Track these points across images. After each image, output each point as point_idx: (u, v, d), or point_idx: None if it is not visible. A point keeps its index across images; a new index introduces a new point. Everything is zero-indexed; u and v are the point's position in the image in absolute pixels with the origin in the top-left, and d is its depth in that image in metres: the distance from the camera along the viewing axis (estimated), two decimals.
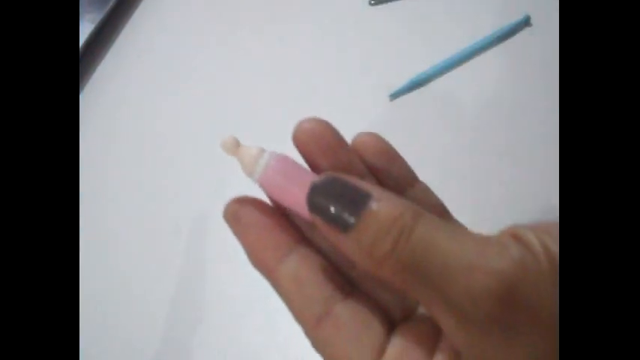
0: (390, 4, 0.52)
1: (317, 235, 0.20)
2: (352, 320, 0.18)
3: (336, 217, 0.16)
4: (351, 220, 0.16)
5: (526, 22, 0.48)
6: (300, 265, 0.18)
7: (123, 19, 0.56)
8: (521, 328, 0.14)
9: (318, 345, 0.18)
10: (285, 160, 0.19)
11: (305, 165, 0.20)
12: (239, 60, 0.52)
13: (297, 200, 0.18)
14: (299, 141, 0.19)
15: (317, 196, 0.17)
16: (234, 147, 0.20)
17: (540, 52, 0.47)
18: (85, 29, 0.52)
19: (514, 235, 0.15)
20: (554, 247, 0.14)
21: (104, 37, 0.55)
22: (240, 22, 0.55)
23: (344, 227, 0.16)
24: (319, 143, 0.19)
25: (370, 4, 0.52)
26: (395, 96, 0.46)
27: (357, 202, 0.16)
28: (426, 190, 0.22)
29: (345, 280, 0.19)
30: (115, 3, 0.54)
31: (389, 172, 0.21)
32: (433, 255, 0.15)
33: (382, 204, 0.16)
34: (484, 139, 0.44)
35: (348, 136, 0.21)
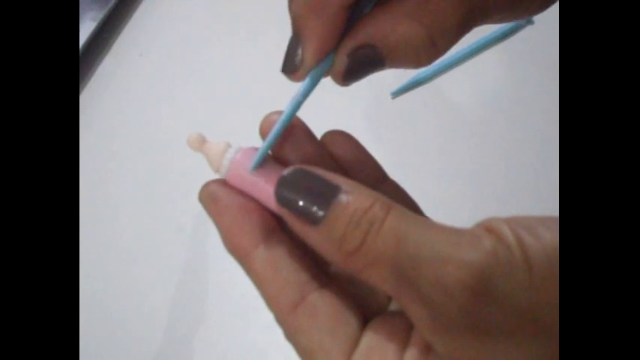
0: None
1: None
2: (327, 310, 0.17)
3: (305, 211, 0.16)
4: (320, 213, 0.15)
5: (527, 22, 0.48)
6: (276, 250, 0.18)
7: (124, 17, 0.56)
8: (494, 320, 0.13)
9: (290, 333, 0.17)
10: (252, 153, 0.19)
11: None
12: (240, 59, 0.52)
13: (265, 194, 0.18)
14: (266, 134, 0.19)
15: (285, 190, 0.16)
16: (200, 143, 0.19)
17: (540, 51, 0.47)
18: (87, 27, 0.51)
19: (487, 228, 0.14)
20: (528, 239, 0.14)
21: (105, 36, 0.55)
22: (241, 22, 0.55)
23: (313, 221, 0.16)
24: (287, 136, 0.19)
25: None
26: (396, 94, 0.46)
27: (326, 194, 0.16)
28: (397, 187, 0.21)
29: (322, 271, 0.19)
30: (116, 1, 0.54)
31: (358, 169, 0.20)
32: (404, 247, 0.14)
33: (352, 196, 0.15)
34: (484, 139, 0.44)
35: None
